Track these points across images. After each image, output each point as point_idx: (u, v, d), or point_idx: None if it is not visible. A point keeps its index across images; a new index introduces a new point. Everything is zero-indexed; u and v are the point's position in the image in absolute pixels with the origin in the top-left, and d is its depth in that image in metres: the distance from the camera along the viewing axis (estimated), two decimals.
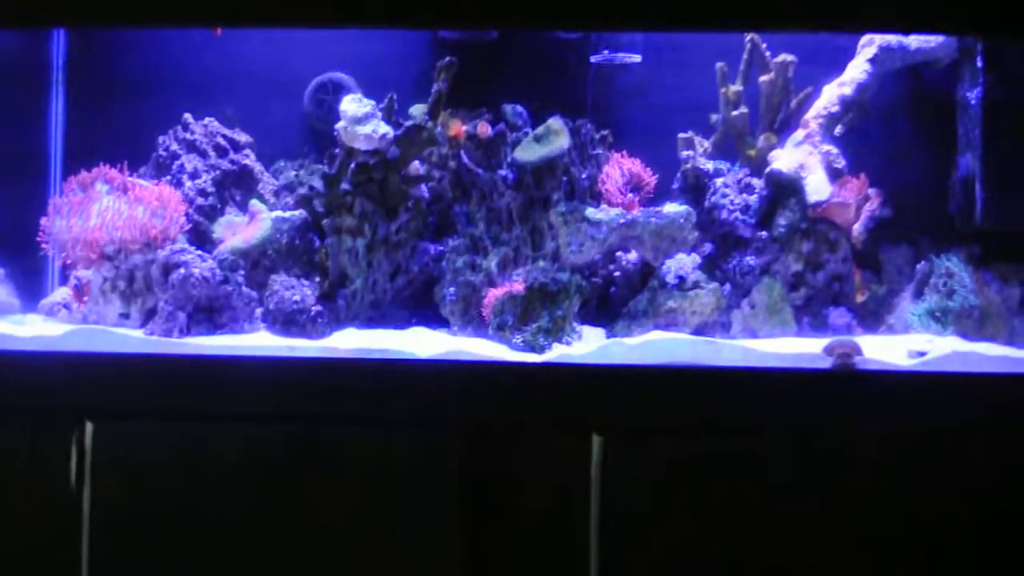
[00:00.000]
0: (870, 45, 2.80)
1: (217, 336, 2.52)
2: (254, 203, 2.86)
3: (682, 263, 2.63)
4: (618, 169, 2.88)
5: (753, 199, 2.76)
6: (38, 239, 2.66)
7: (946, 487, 2.15)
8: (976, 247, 2.69)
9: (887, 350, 2.40)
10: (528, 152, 2.80)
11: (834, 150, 2.74)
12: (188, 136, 2.97)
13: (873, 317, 2.75)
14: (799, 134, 2.77)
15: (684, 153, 2.88)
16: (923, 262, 2.70)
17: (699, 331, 2.57)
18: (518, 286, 2.55)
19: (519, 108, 2.91)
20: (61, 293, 2.81)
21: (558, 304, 2.50)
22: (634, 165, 2.91)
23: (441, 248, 2.79)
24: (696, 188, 2.84)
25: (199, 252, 2.61)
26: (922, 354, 2.34)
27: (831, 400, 2.20)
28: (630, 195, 2.84)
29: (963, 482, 2.14)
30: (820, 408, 2.20)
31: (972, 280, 2.59)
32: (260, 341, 2.51)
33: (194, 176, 2.90)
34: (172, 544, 2.20)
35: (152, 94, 3.11)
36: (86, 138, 3.09)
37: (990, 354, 2.37)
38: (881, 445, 2.16)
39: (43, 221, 2.66)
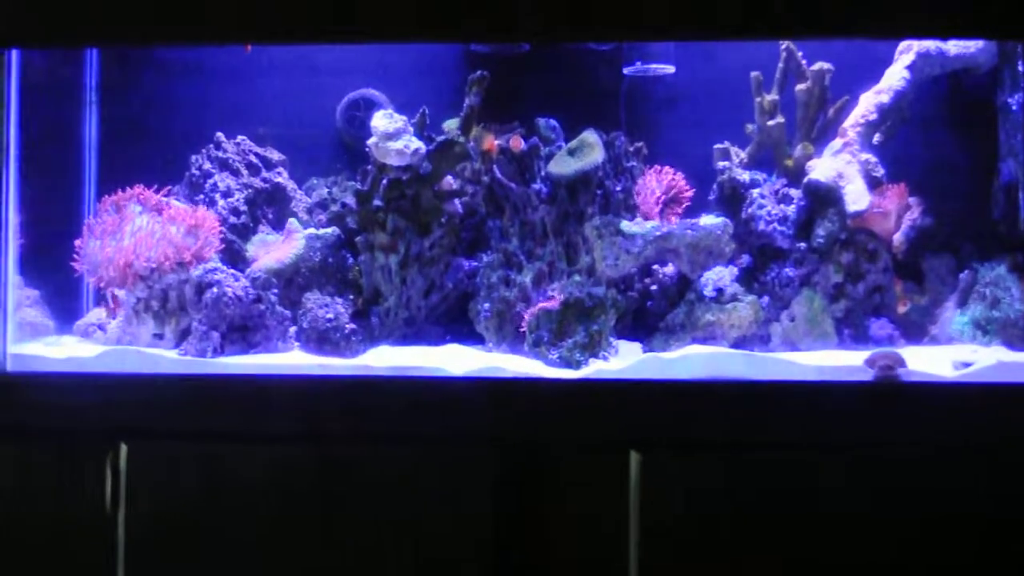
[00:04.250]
0: (908, 52, 2.77)
1: (251, 355, 2.51)
2: (292, 222, 2.85)
3: (720, 275, 2.60)
4: (655, 181, 2.85)
5: (791, 210, 2.72)
6: (72, 260, 2.66)
7: (994, 501, 2.10)
8: (1021, 255, 2.64)
9: (931, 361, 2.36)
10: (562, 166, 2.78)
11: (873, 159, 2.70)
12: (221, 155, 2.97)
13: (916, 328, 2.70)
14: (837, 143, 2.73)
15: (720, 164, 2.85)
16: (966, 271, 2.66)
17: (738, 345, 2.54)
18: (554, 301, 2.53)
19: (552, 121, 2.90)
20: (96, 314, 2.81)
21: (594, 319, 2.47)
22: (672, 176, 2.88)
23: (475, 264, 2.77)
24: (733, 199, 2.80)
25: (232, 271, 2.60)
26: (967, 365, 2.29)
27: (875, 413, 2.16)
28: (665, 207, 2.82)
29: (1011, 495, 2.10)
30: (864, 421, 2.16)
31: (1018, 288, 2.54)
32: (294, 360, 2.50)
33: (227, 195, 2.90)
34: (208, 565, 2.19)
35: (185, 113, 3.12)
36: (120, 158, 3.09)
37: None
38: (927, 458, 2.12)
39: (77, 243, 2.66)
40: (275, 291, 2.61)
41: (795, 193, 2.74)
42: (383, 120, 2.67)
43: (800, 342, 2.58)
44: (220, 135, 2.99)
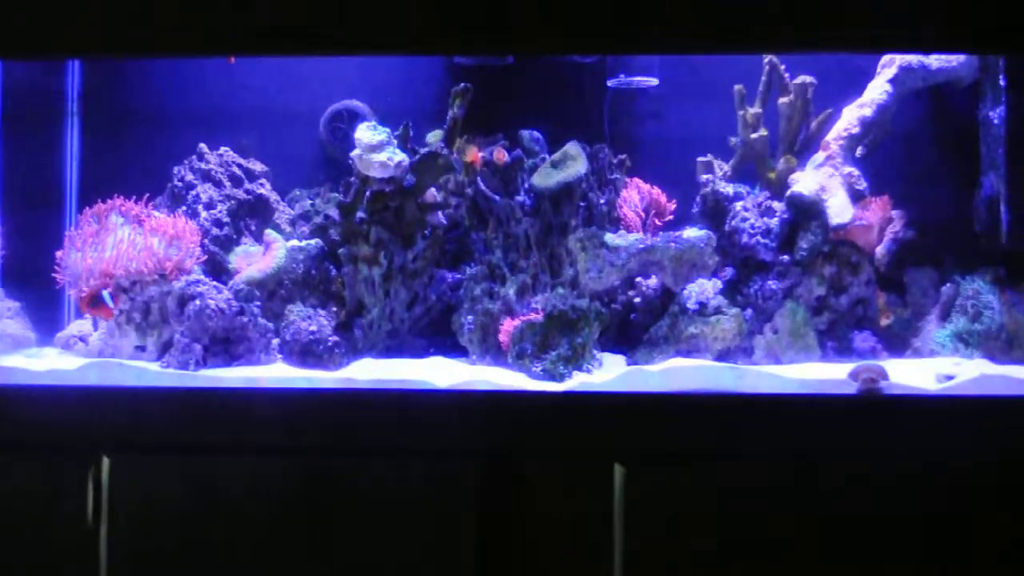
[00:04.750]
0: (890, 66, 2.78)
1: (234, 368, 2.50)
2: (269, 232, 2.85)
3: (703, 288, 2.60)
4: (637, 194, 2.85)
5: (774, 222, 2.73)
6: (54, 272, 2.65)
7: (975, 512, 2.10)
8: (1002, 268, 2.65)
9: (914, 374, 2.36)
10: (545, 178, 2.78)
11: (855, 172, 2.71)
12: (203, 166, 2.96)
13: (898, 340, 2.71)
14: (820, 156, 2.74)
15: (703, 177, 2.85)
16: (948, 284, 2.67)
17: (721, 357, 2.54)
18: (537, 314, 2.53)
19: (536, 134, 2.90)
20: (77, 326, 2.79)
21: (578, 331, 2.47)
22: (653, 190, 2.89)
23: (459, 276, 2.77)
24: (716, 212, 2.81)
25: (215, 283, 2.59)
26: (950, 377, 2.30)
27: (857, 426, 2.17)
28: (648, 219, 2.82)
29: (993, 507, 2.10)
30: (846, 434, 2.16)
31: (999, 302, 2.55)
32: (277, 372, 2.49)
33: (209, 206, 2.89)
34: None
35: (167, 124, 3.11)
36: (101, 169, 3.08)
37: (1019, 376, 2.32)
38: (909, 471, 2.12)
39: (58, 254, 2.65)
40: (258, 303, 2.60)
41: (778, 206, 2.75)
42: (366, 132, 2.67)
43: (783, 354, 2.58)
44: (203, 146, 2.98)
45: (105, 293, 2.56)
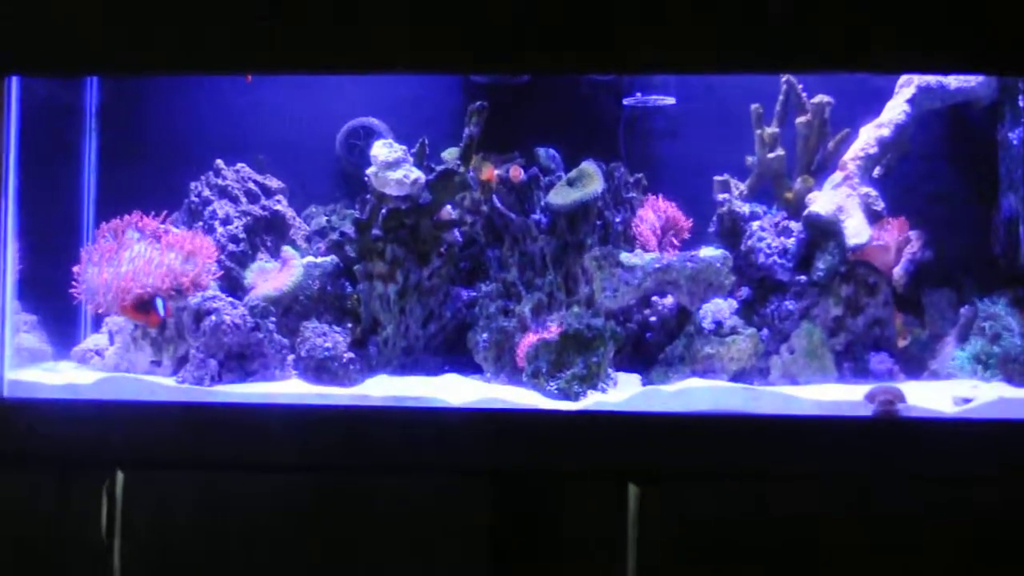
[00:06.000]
0: (908, 85, 2.77)
1: (248, 383, 2.50)
2: (287, 250, 2.85)
3: (719, 308, 2.59)
4: (653, 213, 2.85)
5: (791, 242, 2.72)
6: (71, 287, 2.66)
7: (993, 537, 2.09)
8: (1021, 289, 2.63)
9: (931, 397, 2.35)
10: (562, 196, 2.78)
11: (873, 192, 2.70)
12: (220, 182, 2.97)
13: (916, 362, 2.69)
14: (837, 176, 2.73)
15: (720, 196, 2.85)
16: (967, 306, 2.65)
17: (737, 378, 2.53)
18: (552, 332, 2.52)
19: (552, 151, 2.89)
20: (93, 340, 2.80)
21: (593, 351, 2.46)
22: (670, 208, 2.88)
23: (474, 294, 2.76)
24: (732, 232, 2.80)
25: (230, 299, 2.60)
26: (967, 401, 2.28)
27: (874, 448, 2.15)
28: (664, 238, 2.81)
29: (1011, 532, 2.08)
30: (862, 457, 2.15)
31: (1018, 323, 2.53)
32: (291, 388, 2.49)
33: (226, 222, 2.90)
34: None
35: (184, 140, 3.12)
36: (119, 184, 3.09)
37: None
38: (926, 494, 2.11)
39: (75, 269, 2.66)
40: (273, 319, 2.61)
41: (795, 226, 2.74)
42: (383, 149, 2.67)
43: (799, 375, 2.57)
44: (219, 162, 2.99)
45: (159, 301, 2.56)
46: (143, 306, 2.57)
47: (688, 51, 2.17)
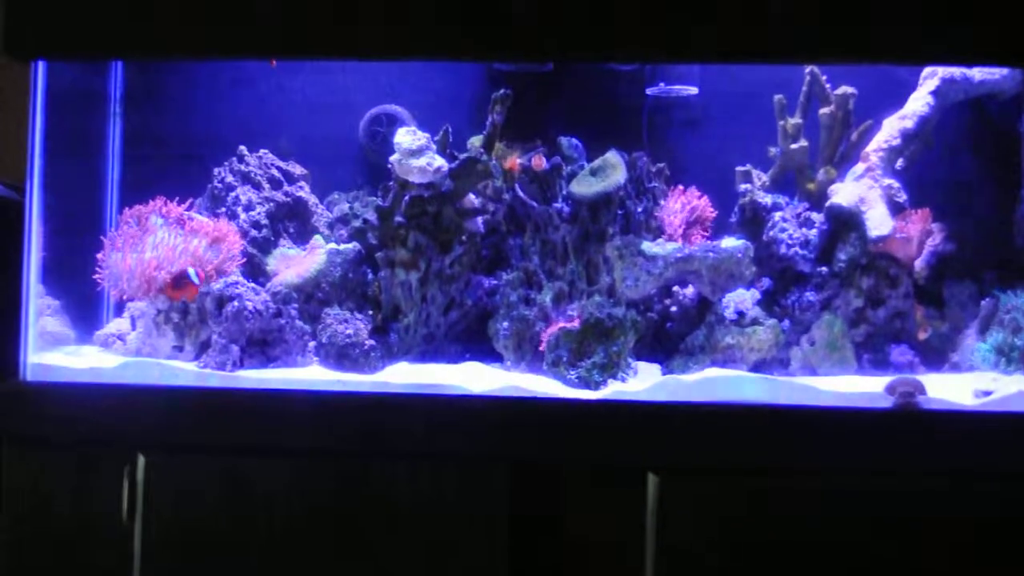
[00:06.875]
0: (932, 77, 2.76)
1: (270, 369, 2.51)
2: (317, 239, 2.85)
3: (740, 298, 2.59)
4: (679, 203, 2.85)
5: (812, 233, 2.72)
6: (94, 272, 2.67)
7: (1012, 532, 2.09)
8: None
9: (951, 389, 2.34)
10: (584, 186, 2.78)
11: (895, 184, 2.69)
12: (243, 168, 2.97)
13: (936, 355, 2.68)
14: (859, 168, 2.72)
15: (742, 186, 2.84)
16: (988, 298, 2.64)
17: (757, 368, 2.53)
18: (573, 321, 2.52)
19: (575, 141, 2.89)
20: (116, 324, 2.82)
21: (613, 340, 2.47)
22: (694, 198, 2.88)
23: (495, 282, 2.76)
24: (754, 222, 2.80)
25: (252, 285, 2.61)
26: (988, 393, 2.28)
27: (893, 440, 2.15)
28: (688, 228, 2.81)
29: None
30: (882, 448, 2.15)
31: None
32: (312, 375, 2.50)
33: (248, 208, 2.91)
34: None
35: (208, 125, 3.12)
36: (143, 169, 3.10)
37: None
38: (945, 487, 2.10)
39: (99, 255, 2.67)
40: (295, 306, 2.62)
41: (817, 217, 2.74)
42: (406, 137, 2.67)
43: (820, 367, 2.57)
44: (243, 148, 3.00)
45: (191, 270, 2.57)
46: (179, 282, 2.58)
47: (717, 43, 2.17)
